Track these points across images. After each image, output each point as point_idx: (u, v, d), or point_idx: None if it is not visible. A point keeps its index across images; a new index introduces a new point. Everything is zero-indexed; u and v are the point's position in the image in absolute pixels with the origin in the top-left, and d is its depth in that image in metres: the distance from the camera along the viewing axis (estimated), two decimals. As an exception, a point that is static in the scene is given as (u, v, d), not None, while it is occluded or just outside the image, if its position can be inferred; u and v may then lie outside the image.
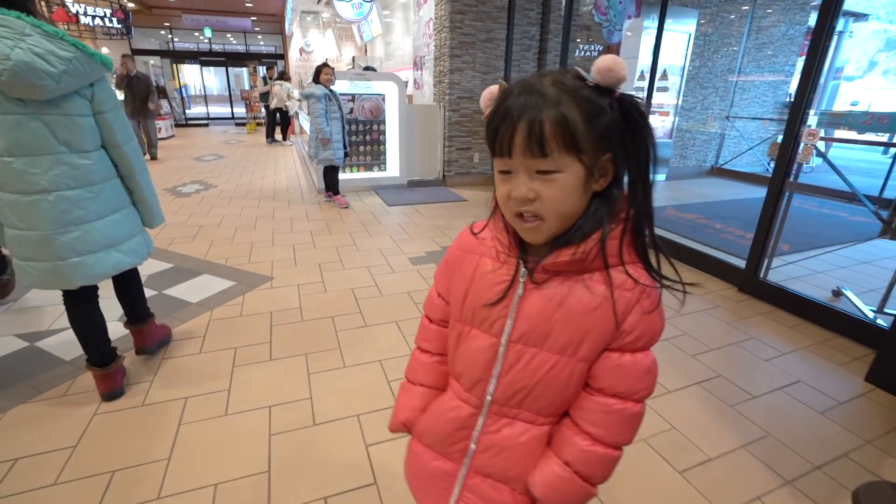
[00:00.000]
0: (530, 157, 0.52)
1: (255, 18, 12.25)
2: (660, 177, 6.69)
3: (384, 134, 5.20)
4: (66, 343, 2.05)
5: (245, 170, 6.55)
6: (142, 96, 6.93)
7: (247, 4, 11.28)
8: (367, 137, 5.13)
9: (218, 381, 1.83)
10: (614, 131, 0.53)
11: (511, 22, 5.11)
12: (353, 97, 4.93)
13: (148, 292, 2.07)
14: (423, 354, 0.78)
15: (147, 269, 2.85)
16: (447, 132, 5.33)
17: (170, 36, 14.39)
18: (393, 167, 5.35)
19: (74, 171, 1.44)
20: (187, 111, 16.22)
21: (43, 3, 9.03)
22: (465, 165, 5.55)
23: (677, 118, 6.57)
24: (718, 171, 7.30)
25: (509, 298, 0.61)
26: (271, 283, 2.74)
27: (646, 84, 3.88)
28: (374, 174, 5.29)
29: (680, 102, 6.50)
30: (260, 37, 15.47)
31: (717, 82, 6.87)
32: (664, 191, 5.89)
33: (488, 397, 0.64)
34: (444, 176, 5.58)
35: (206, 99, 19.00)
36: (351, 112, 4.96)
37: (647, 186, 0.56)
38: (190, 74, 18.07)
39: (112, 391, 1.71)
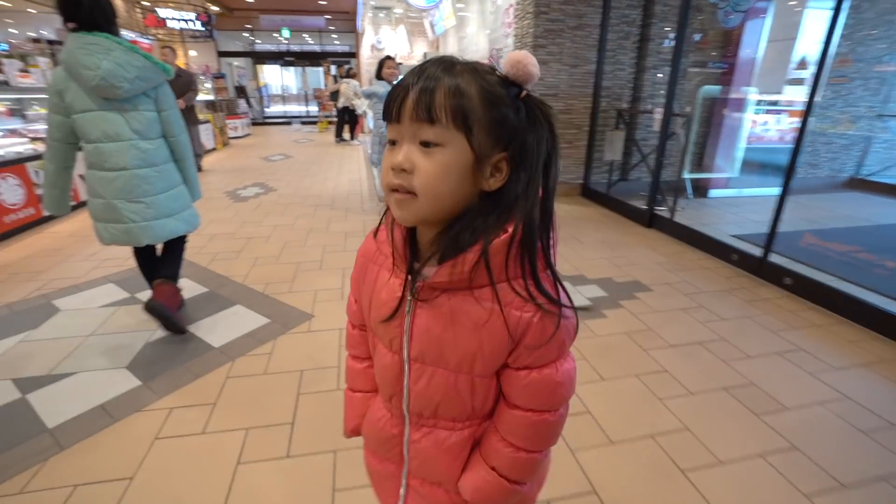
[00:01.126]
0: (416, 122, 0.48)
1: (329, 17, 12.23)
2: (772, 190, 5.51)
3: (453, 136, 4.63)
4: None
5: (308, 171, 6.29)
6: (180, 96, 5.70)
7: (320, 2, 11.24)
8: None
9: (210, 489, 1.34)
10: (515, 130, 0.51)
11: (608, 4, 4.31)
12: (420, 95, 4.40)
13: (171, 328, 2.09)
14: (355, 361, 0.77)
15: (190, 292, 2.49)
16: (525, 135, 4.64)
17: (252, 38, 14.88)
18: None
19: (143, 154, 1.84)
20: (266, 110, 16.86)
21: (138, 10, 9.51)
22: (543, 173, 4.82)
23: (811, 117, 5.35)
24: (860, 184, 5.93)
25: (402, 316, 0.58)
26: (310, 323, 2.25)
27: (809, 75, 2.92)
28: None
29: (817, 98, 5.29)
30: (335, 36, 15.57)
31: (867, 72, 5.53)
32: (793, 209, 4.77)
33: (405, 411, 0.63)
34: (518, 184, 4.89)
35: (283, 98, 19.72)
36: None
37: (548, 194, 0.52)
38: (270, 74, 18.82)
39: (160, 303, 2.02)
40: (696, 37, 4.54)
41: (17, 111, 4.36)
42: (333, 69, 11.30)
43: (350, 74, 9.22)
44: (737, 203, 4.88)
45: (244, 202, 4.57)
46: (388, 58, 3.72)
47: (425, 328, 0.56)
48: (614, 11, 4.40)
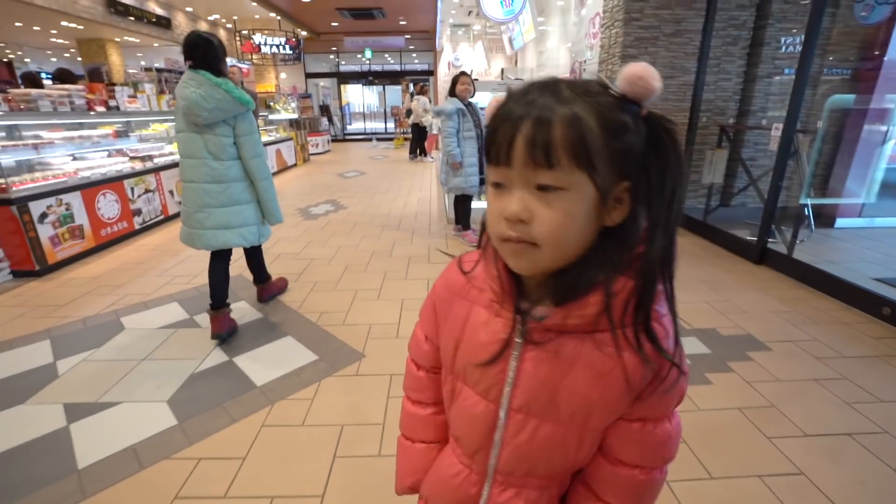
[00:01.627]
0: (532, 168, 0.42)
1: (408, 36, 12.54)
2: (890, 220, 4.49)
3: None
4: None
5: (379, 189, 6.29)
6: None
7: (401, 22, 11.53)
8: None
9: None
10: (637, 156, 0.43)
11: (713, 5, 3.78)
12: (494, 112, 4.14)
13: (217, 358, 2.12)
14: (416, 406, 0.68)
15: (237, 315, 2.43)
16: (608, 154, 4.19)
17: (336, 59, 15.70)
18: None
19: (213, 171, 2.11)
20: (348, 126, 17.67)
21: (237, 37, 10.37)
22: (628, 196, 4.32)
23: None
24: None
25: (506, 360, 0.51)
26: (359, 364, 2.04)
27: None
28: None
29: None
30: (414, 55, 15.98)
31: None
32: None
33: (491, 468, 0.55)
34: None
35: (363, 116, 20.59)
36: (490, 130, 4.18)
37: (670, 230, 0.44)
38: (353, 93, 19.77)
39: (218, 333, 2.21)
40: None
41: (122, 133, 4.76)
42: (411, 87, 11.53)
43: (422, 91, 9.25)
44: (872, 235, 4.02)
45: (314, 220, 4.59)
46: (463, 73, 3.52)
47: (537, 375, 0.50)
48: (720, 14, 3.85)
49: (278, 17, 10.03)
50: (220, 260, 2.28)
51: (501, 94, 0.47)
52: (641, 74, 0.42)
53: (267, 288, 2.68)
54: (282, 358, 2.10)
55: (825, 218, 4.26)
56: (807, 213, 4.10)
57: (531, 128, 0.41)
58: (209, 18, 9.79)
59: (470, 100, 3.52)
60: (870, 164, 4.13)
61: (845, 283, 2.68)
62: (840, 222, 4.30)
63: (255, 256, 2.57)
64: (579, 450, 0.52)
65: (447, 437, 0.64)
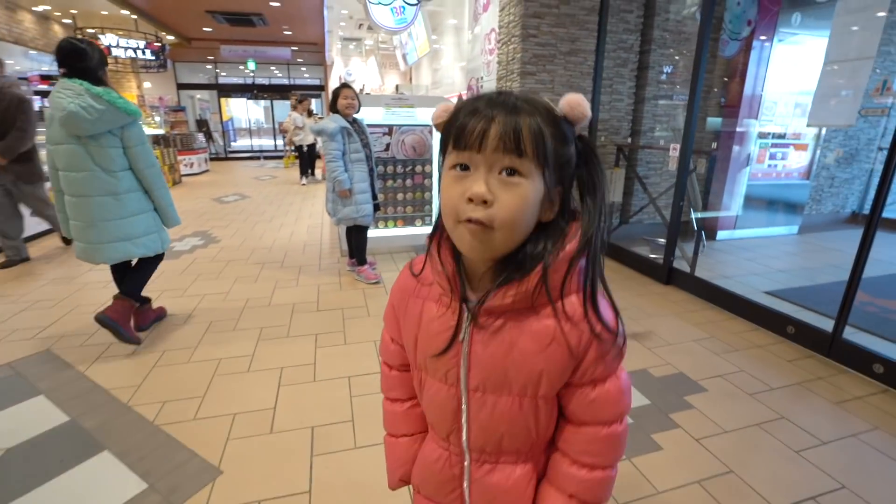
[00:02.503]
0: (502, 153, 0.49)
1: (295, 48, 11.67)
2: (790, 228, 5.03)
3: (430, 177, 3.93)
4: None
5: (263, 216, 5.48)
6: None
7: (285, 32, 10.65)
8: (408, 182, 3.87)
9: None
10: (571, 166, 0.54)
11: (603, 28, 3.78)
12: (389, 129, 3.71)
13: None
14: (395, 404, 0.74)
15: (30, 425, 1.64)
16: (513, 174, 3.99)
17: (217, 70, 14.18)
18: (440, 220, 4.06)
19: (105, 184, 2.04)
20: (232, 144, 16.03)
21: (78, 35, 8.68)
22: (535, 217, 4.16)
23: (818, 151, 4.93)
24: (863, 220, 5.51)
25: (457, 346, 0.58)
26: (211, 490, 1.42)
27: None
28: (417, 230, 4.00)
29: (823, 132, 4.89)
30: (304, 68, 15.05)
31: (865, 102, 5.19)
32: (810, 253, 4.23)
33: (465, 447, 0.62)
34: (507, 231, 4.21)
35: (250, 132, 18.95)
36: (387, 149, 3.74)
37: (602, 218, 0.55)
38: (236, 107, 18.09)
39: (141, 325, 2.41)
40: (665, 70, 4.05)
41: None
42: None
43: (299, 105, 8.28)
44: (746, 246, 4.33)
45: (174, 260, 3.71)
46: (346, 86, 3.02)
47: (488, 354, 0.56)
48: (610, 36, 3.88)
49: (134, 17, 8.59)
50: (119, 272, 2.32)
51: (452, 101, 0.56)
52: (579, 102, 0.52)
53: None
54: (87, 495, 1.39)
55: (708, 231, 4.51)
56: (696, 227, 4.30)
57: (504, 119, 0.49)
58: (35, 9, 7.94)
59: (356, 116, 3.05)
60: (740, 181, 4.47)
61: (748, 302, 2.67)
62: (720, 234, 4.59)
63: (147, 266, 2.36)
64: (537, 418, 0.58)
65: (426, 428, 0.70)
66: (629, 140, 4.23)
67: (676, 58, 4.09)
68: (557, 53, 3.75)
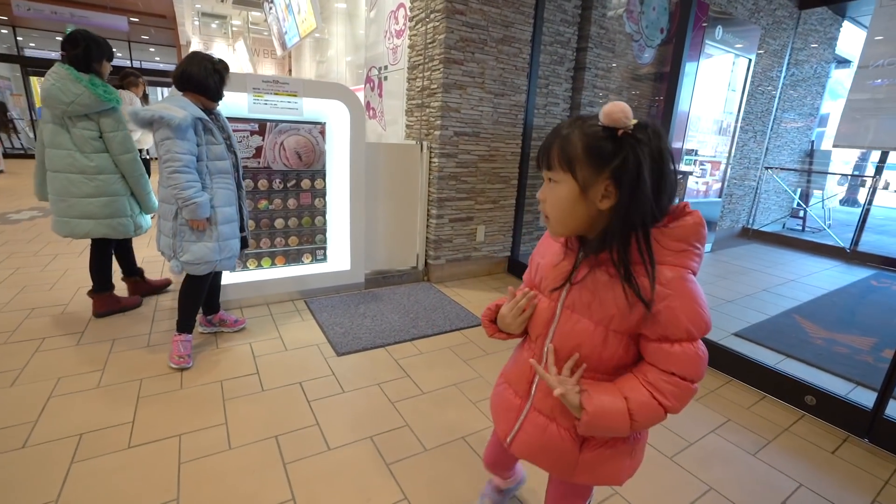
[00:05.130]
0: (543, 169, 0.76)
1: (135, 19, 9.31)
2: (708, 246, 4.96)
3: (324, 195, 2.83)
4: None
5: (63, 245, 3.77)
6: None
7: (120, -3, 8.38)
8: (291, 202, 2.73)
9: None
10: (611, 159, 0.68)
11: (540, 12, 3.08)
12: (261, 126, 2.54)
13: None
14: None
15: None
16: (435, 191, 3.08)
17: (17, 37, 10.88)
18: (339, 255, 2.96)
19: (76, 162, 2.15)
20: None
21: None
22: (461, 247, 3.30)
23: (730, 169, 4.91)
24: (754, 234, 5.77)
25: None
26: None
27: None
28: (306, 269, 2.86)
29: (733, 150, 4.87)
30: (153, 49, 12.41)
31: (756, 125, 5.38)
32: (725, 272, 4.05)
33: (546, 347, 0.82)
34: (426, 265, 3.28)
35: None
36: (257, 155, 2.56)
37: (628, 203, 0.68)
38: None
39: (98, 312, 2.42)
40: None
41: None
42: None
43: (126, 80, 4.39)
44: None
45: None
46: (205, 56, 1.87)
47: (582, 287, 0.77)
48: (547, 25, 3.20)
49: None
50: (98, 249, 2.40)
51: (625, 105, 0.70)
52: (609, 112, 0.67)
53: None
54: None
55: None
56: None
57: (545, 143, 0.75)
58: None
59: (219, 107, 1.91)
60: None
61: (747, 362, 2.12)
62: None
63: (123, 249, 2.59)
64: (605, 346, 0.76)
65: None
66: (564, 152, 3.61)
67: (613, 64, 3.58)
68: (489, 39, 2.94)
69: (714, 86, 4.20)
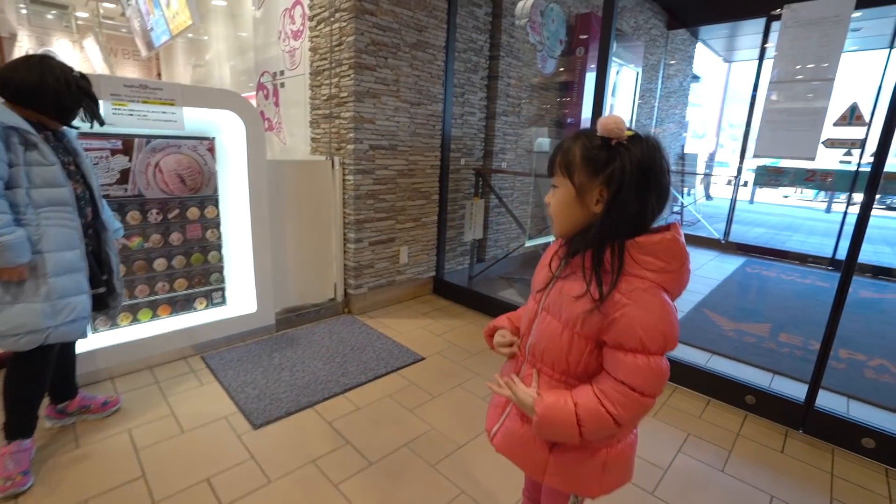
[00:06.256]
0: (550, 175, 0.80)
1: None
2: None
3: (217, 225, 2.33)
4: None
5: None
6: None
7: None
8: (174, 237, 2.19)
9: None
10: (604, 166, 0.72)
11: (453, 17, 2.91)
12: (125, 143, 1.99)
13: None
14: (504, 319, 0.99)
15: None
16: (352, 212, 2.73)
17: None
18: (241, 295, 2.47)
19: None
20: None
21: None
22: (384, 271, 2.99)
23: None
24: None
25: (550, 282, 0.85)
26: None
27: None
28: (198, 317, 2.33)
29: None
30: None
31: (642, 132, 5.84)
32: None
33: (527, 349, 0.86)
34: (346, 295, 2.91)
35: None
36: (123, 181, 2.00)
37: (611, 207, 0.72)
38: None
39: None
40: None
41: None
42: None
43: None
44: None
45: None
46: (42, 57, 1.35)
47: (557, 290, 0.80)
48: (460, 31, 3.04)
49: None
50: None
51: (619, 119, 0.74)
52: (606, 124, 0.71)
53: None
54: None
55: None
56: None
57: (551, 155, 0.79)
58: None
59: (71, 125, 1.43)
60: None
61: (687, 367, 2.15)
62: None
63: None
64: (570, 349, 0.77)
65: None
66: (482, 162, 3.50)
67: (522, 73, 3.56)
68: (402, 44, 2.69)
69: (615, 97, 4.42)
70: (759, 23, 5.12)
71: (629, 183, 0.69)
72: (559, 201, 0.77)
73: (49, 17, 6.89)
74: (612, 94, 4.38)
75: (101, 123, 1.54)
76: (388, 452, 1.64)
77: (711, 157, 10.19)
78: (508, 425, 0.88)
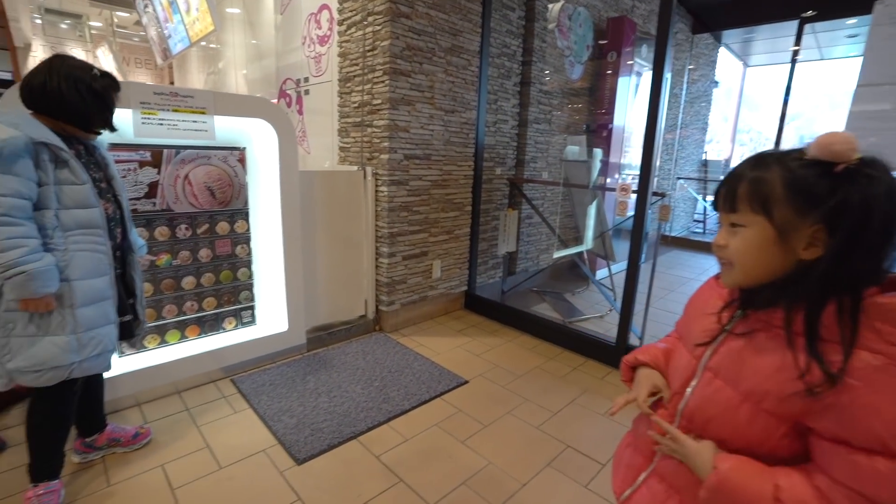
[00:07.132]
0: (724, 212, 0.64)
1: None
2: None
3: (248, 241, 2.20)
4: None
5: None
6: None
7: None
8: (203, 253, 2.06)
9: None
10: (824, 201, 0.54)
11: (487, 21, 2.79)
12: (154, 155, 1.87)
13: None
14: (644, 352, 0.83)
15: None
16: (385, 225, 2.60)
17: None
18: (272, 313, 2.33)
19: None
20: None
21: None
22: (417, 287, 2.85)
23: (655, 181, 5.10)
24: (672, 241, 6.15)
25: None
26: None
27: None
28: (227, 337, 2.19)
29: (659, 163, 5.07)
30: (-22, 55, 10.03)
31: (668, 138, 5.73)
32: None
33: (679, 412, 0.69)
34: (377, 312, 2.77)
35: None
36: (150, 195, 1.88)
37: (842, 255, 0.54)
38: None
39: None
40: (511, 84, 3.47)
41: None
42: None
43: None
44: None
45: None
46: (66, 57, 1.26)
47: (732, 349, 0.64)
48: (494, 36, 2.92)
49: None
50: None
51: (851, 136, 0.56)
52: (823, 143, 0.54)
53: None
54: None
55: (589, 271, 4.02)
56: (585, 270, 3.74)
57: (727, 186, 0.63)
58: None
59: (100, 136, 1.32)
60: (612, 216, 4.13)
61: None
62: (599, 273, 4.18)
63: None
64: (749, 426, 0.60)
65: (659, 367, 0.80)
66: (514, 171, 3.36)
67: (554, 79, 3.43)
68: (437, 49, 2.57)
69: (643, 101, 4.29)
70: (790, 26, 4.98)
71: (874, 223, 0.52)
72: (748, 244, 0.60)
73: (63, 26, 6.87)
74: (634, 98, 4.24)
75: (112, 130, 1.40)
76: (447, 492, 1.49)
77: (727, 164, 10.03)
78: (646, 495, 0.73)
